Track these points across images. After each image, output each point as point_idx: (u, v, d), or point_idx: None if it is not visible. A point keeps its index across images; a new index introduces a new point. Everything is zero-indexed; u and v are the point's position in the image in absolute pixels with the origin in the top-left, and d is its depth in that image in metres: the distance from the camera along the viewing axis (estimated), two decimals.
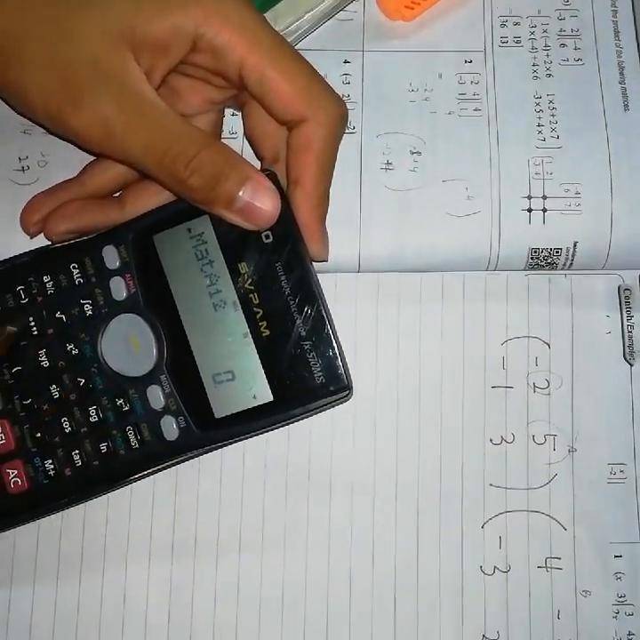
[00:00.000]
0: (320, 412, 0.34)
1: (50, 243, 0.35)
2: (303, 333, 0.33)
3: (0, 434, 0.33)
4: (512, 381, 0.37)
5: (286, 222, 0.32)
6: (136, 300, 0.33)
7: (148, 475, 0.34)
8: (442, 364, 0.37)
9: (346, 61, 0.39)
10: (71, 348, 0.33)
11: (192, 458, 0.34)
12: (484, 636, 0.36)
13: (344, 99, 0.34)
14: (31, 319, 0.33)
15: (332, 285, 0.37)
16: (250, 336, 0.33)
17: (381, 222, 0.37)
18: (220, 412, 0.33)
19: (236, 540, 0.36)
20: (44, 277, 0.34)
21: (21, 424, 0.33)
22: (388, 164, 0.37)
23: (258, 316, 0.33)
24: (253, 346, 0.33)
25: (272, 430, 0.34)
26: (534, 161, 0.37)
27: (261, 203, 0.31)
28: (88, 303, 0.33)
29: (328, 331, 0.33)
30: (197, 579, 0.36)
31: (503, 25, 0.39)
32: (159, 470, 0.34)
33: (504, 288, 0.38)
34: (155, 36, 0.30)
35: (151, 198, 0.34)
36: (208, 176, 0.30)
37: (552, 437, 0.37)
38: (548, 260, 0.37)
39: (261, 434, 0.34)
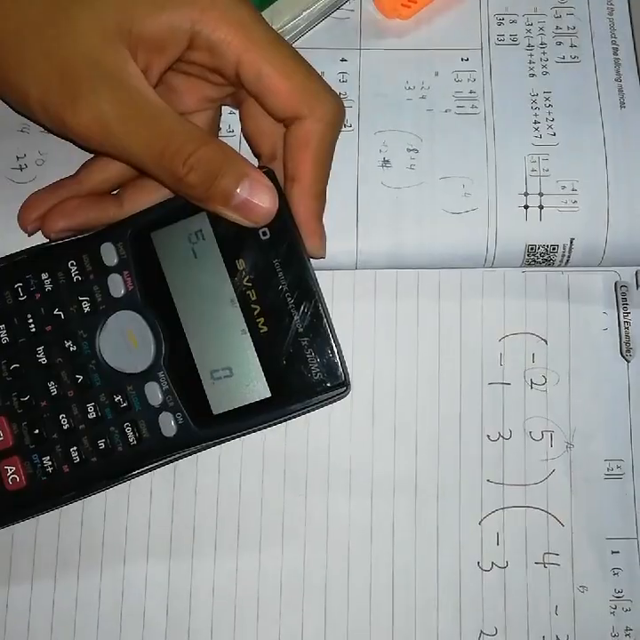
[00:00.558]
0: (318, 408, 0.34)
1: (47, 241, 0.35)
2: (301, 330, 0.33)
3: None
4: (509, 377, 0.37)
5: (284, 219, 0.32)
6: (134, 297, 0.33)
7: (146, 471, 0.34)
8: (439, 360, 0.37)
9: (343, 59, 0.39)
10: (69, 345, 0.33)
11: (190, 454, 0.34)
12: (481, 631, 0.36)
13: (341, 96, 0.34)
14: (29, 316, 0.34)
15: (329, 282, 0.37)
16: (247, 332, 0.33)
17: (379, 219, 0.37)
18: (217, 408, 0.33)
19: (234, 534, 0.36)
20: (42, 275, 0.34)
21: (19, 421, 0.33)
22: (385, 161, 0.37)
23: (255, 313, 0.33)
24: (251, 342, 0.33)
25: (270, 426, 0.35)
26: (531, 158, 0.37)
27: (259, 200, 0.31)
28: (86, 300, 0.33)
29: (325, 327, 0.33)
30: (196, 573, 0.36)
31: (500, 23, 0.40)
32: (157, 467, 0.34)
33: (501, 285, 0.38)
34: (151, 33, 0.30)
35: (149, 196, 0.34)
36: (205, 173, 0.30)
37: (549, 433, 0.37)
38: (545, 257, 0.37)
39: (259, 430, 0.35)
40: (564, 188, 0.37)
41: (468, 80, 0.39)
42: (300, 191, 0.32)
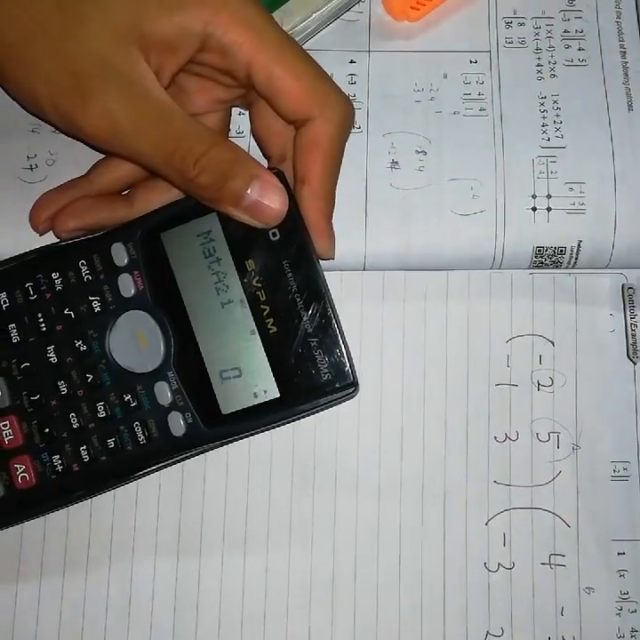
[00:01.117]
0: (326, 408, 0.34)
1: (58, 240, 0.35)
2: (310, 330, 0.33)
3: (8, 429, 0.34)
4: (516, 379, 0.38)
5: (293, 220, 0.33)
6: (144, 296, 0.34)
7: (154, 470, 0.34)
8: (446, 361, 0.38)
9: (352, 61, 0.39)
10: (79, 345, 0.34)
11: (199, 454, 0.34)
12: (487, 632, 0.36)
13: (350, 98, 0.34)
14: (40, 316, 0.34)
15: (337, 283, 0.37)
16: (257, 333, 0.33)
17: (387, 221, 0.37)
18: (226, 408, 0.33)
19: (241, 533, 0.37)
20: (53, 274, 0.34)
21: (29, 420, 0.34)
22: (393, 163, 0.38)
23: (265, 313, 0.33)
24: (260, 342, 0.33)
25: (278, 427, 0.35)
26: (539, 160, 0.37)
27: (269, 201, 0.31)
28: (96, 300, 0.34)
29: (334, 328, 0.33)
30: (203, 572, 0.36)
31: (508, 26, 0.40)
32: (166, 466, 0.34)
33: (508, 286, 0.38)
34: (163, 35, 0.31)
35: (159, 196, 0.34)
36: (216, 174, 0.31)
37: (556, 435, 0.37)
38: (553, 259, 0.37)
39: (268, 430, 0.35)
40: (571, 190, 0.37)
41: (477, 82, 0.39)
42: (309, 192, 0.33)
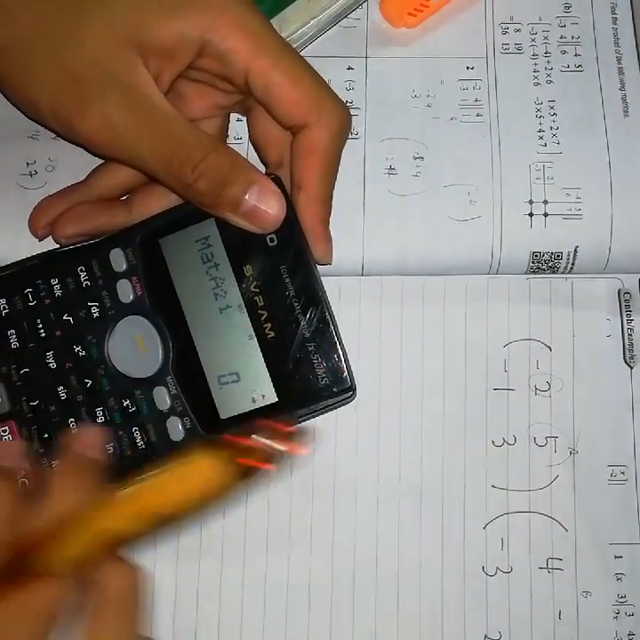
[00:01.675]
0: (324, 413, 0.34)
1: (57, 246, 0.35)
2: (307, 335, 0.33)
3: (8, 435, 0.34)
4: (513, 384, 0.38)
5: (291, 226, 0.33)
6: (142, 302, 0.34)
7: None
8: (444, 366, 0.38)
9: (349, 68, 0.39)
10: (78, 350, 0.34)
11: None
12: (485, 636, 0.36)
13: (347, 104, 0.34)
14: (39, 321, 0.34)
15: (335, 288, 0.38)
16: (255, 338, 0.33)
17: (385, 226, 0.37)
18: (225, 412, 0.33)
19: (240, 539, 0.37)
20: (52, 280, 0.34)
21: (29, 425, 0.34)
22: (391, 168, 0.38)
23: (263, 318, 0.33)
24: (258, 347, 0.33)
25: None
26: (535, 166, 0.38)
27: (267, 206, 0.32)
28: (95, 305, 0.34)
29: (332, 333, 0.33)
30: (202, 578, 0.36)
31: (504, 32, 0.40)
32: None
33: (506, 291, 0.38)
34: (161, 41, 0.31)
35: (158, 201, 0.34)
36: (214, 180, 0.31)
37: (553, 439, 0.37)
38: (550, 264, 0.37)
39: None
40: (568, 195, 0.37)
41: (474, 88, 0.39)
42: (306, 198, 0.33)
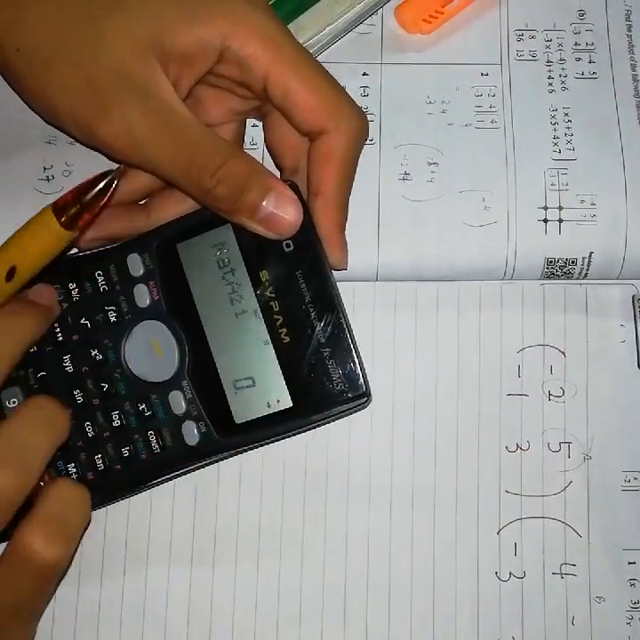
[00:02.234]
0: (339, 418, 0.34)
1: (75, 251, 0.35)
2: (323, 341, 0.33)
3: None
4: (527, 389, 0.38)
5: (307, 231, 0.33)
6: (159, 307, 0.34)
7: (168, 479, 0.34)
8: (458, 371, 0.38)
9: (364, 74, 0.39)
10: (95, 354, 0.34)
11: (212, 463, 0.35)
12: None
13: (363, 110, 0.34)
14: (56, 325, 0.34)
15: (350, 293, 0.38)
16: (270, 343, 0.33)
17: (399, 232, 0.37)
18: (240, 417, 0.34)
19: (254, 542, 0.37)
20: (70, 285, 0.34)
21: None
22: (405, 174, 0.38)
23: (278, 324, 0.33)
24: (273, 353, 0.33)
25: (291, 436, 0.35)
26: (550, 172, 0.38)
27: (284, 212, 0.32)
28: (112, 310, 0.34)
29: (347, 338, 0.33)
30: (216, 581, 0.37)
31: (519, 39, 0.40)
32: (180, 475, 0.35)
33: (520, 297, 0.38)
34: (181, 48, 0.31)
35: (176, 206, 0.35)
36: (233, 186, 0.31)
37: (567, 445, 0.37)
38: (564, 270, 0.37)
39: (281, 439, 0.35)
40: (582, 202, 0.37)
41: (488, 95, 0.39)
42: (323, 204, 0.33)
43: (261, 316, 0.33)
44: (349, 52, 0.40)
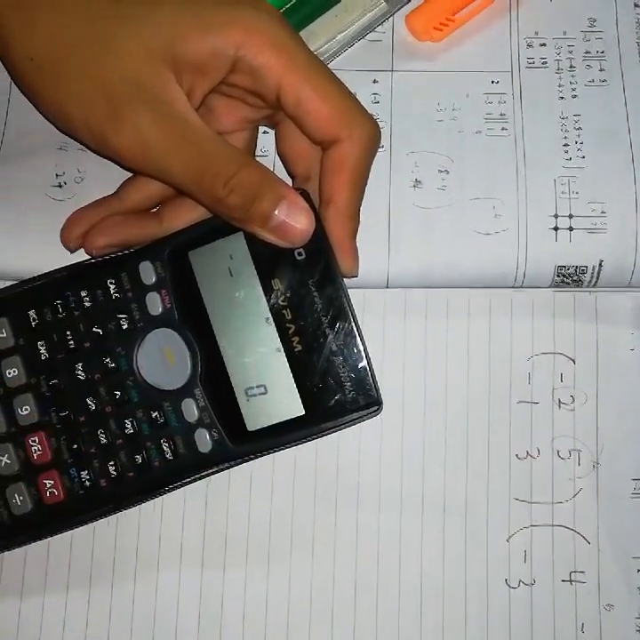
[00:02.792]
0: (350, 426, 0.35)
1: (87, 258, 0.35)
2: (335, 348, 0.33)
3: (37, 445, 0.34)
4: (537, 397, 0.38)
5: (319, 240, 0.33)
6: (171, 314, 0.34)
7: (181, 486, 0.35)
8: (468, 378, 0.38)
9: (375, 81, 0.40)
10: (107, 362, 0.34)
11: (224, 469, 0.35)
12: None
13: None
14: (68, 333, 0.34)
15: (360, 300, 0.38)
16: (282, 351, 0.33)
17: (410, 239, 0.37)
18: (252, 425, 0.34)
19: (265, 547, 0.37)
20: (82, 292, 0.34)
21: (58, 436, 0.34)
22: (416, 182, 0.38)
23: (290, 332, 0.33)
24: (286, 360, 0.33)
25: (303, 443, 0.35)
26: (560, 180, 0.38)
27: (296, 221, 0.32)
28: (124, 318, 0.34)
29: (359, 346, 0.33)
30: (227, 585, 0.37)
31: (529, 46, 0.40)
32: (192, 482, 0.35)
33: (530, 305, 0.38)
34: (195, 57, 0.31)
35: (188, 213, 0.35)
36: (245, 195, 0.31)
37: (577, 452, 0.38)
38: (574, 278, 0.37)
39: (293, 447, 0.35)
40: (593, 209, 0.37)
41: (499, 102, 0.39)
42: (335, 212, 0.33)
43: (273, 323, 0.33)
44: (360, 59, 0.40)
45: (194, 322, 0.34)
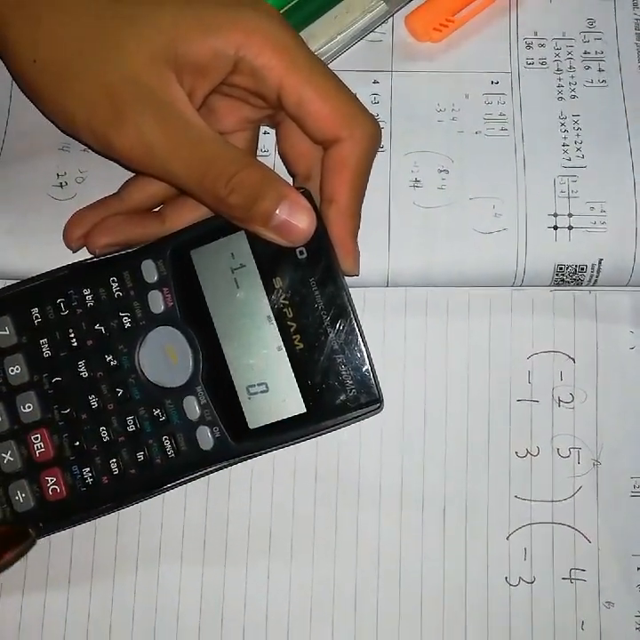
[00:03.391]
0: (351, 424, 0.35)
1: (89, 257, 0.35)
2: (336, 347, 0.33)
3: (39, 442, 0.34)
4: (537, 395, 0.38)
5: (320, 239, 0.33)
6: (173, 313, 0.34)
7: (182, 483, 0.35)
8: (468, 377, 0.38)
9: (375, 81, 0.40)
10: (110, 360, 0.34)
11: (226, 467, 0.35)
12: None
13: None
14: (71, 331, 0.34)
15: (360, 299, 0.38)
16: (284, 349, 0.34)
17: (410, 238, 0.37)
18: (254, 422, 0.34)
19: (265, 545, 0.37)
20: (84, 290, 0.34)
21: (60, 433, 0.34)
22: (416, 181, 0.38)
23: (292, 330, 0.34)
24: (287, 359, 0.34)
25: (304, 441, 0.35)
26: (560, 180, 0.38)
27: (297, 220, 0.32)
28: (126, 316, 0.34)
29: (360, 345, 0.34)
30: (228, 582, 0.37)
31: (529, 47, 0.40)
32: (194, 479, 0.35)
33: (530, 303, 0.39)
34: (196, 58, 0.31)
35: (190, 213, 0.35)
36: (247, 194, 0.31)
37: (576, 451, 0.38)
38: (574, 277, 0.38)
39: (294, 445, 0.35)
40: (592, 209, 0.37)
41: (498, 103, 0.39)
42: (336, 212, 0.33)
43: (275, 322, 0.34)
44: (360, 59, 0.40)
45: (196, 320, 0.34)
